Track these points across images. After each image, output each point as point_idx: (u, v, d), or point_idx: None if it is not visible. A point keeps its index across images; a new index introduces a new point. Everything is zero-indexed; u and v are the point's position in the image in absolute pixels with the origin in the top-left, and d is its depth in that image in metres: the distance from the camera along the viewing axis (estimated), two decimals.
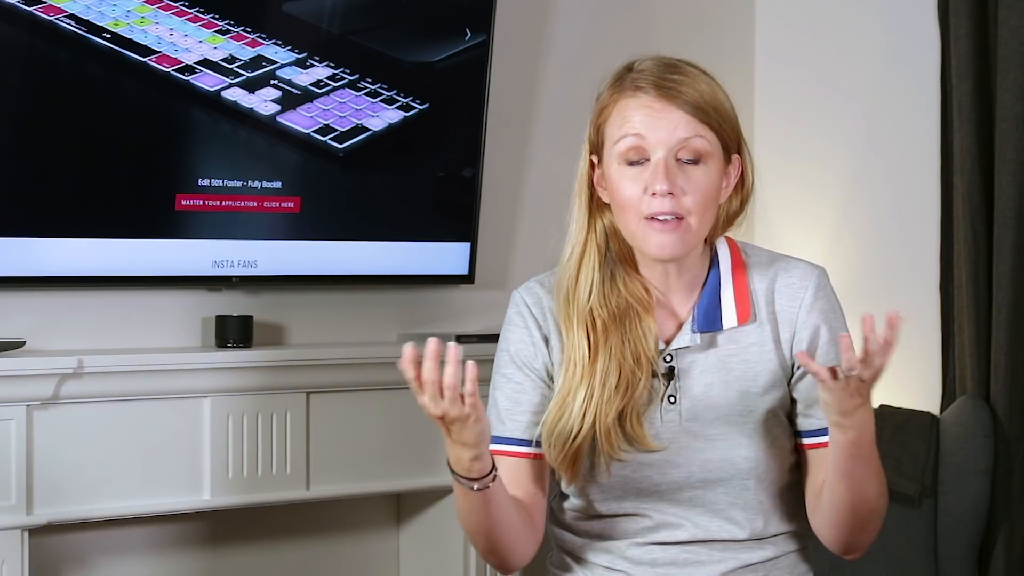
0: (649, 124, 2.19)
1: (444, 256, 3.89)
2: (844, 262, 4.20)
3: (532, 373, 2.28)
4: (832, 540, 2.26)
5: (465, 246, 3.91)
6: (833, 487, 2.19)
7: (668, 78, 2.20)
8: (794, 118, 4.44)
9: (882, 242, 4.32)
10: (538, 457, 2.27)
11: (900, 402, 4.11)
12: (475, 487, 2.13)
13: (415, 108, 3.82)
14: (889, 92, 4.32)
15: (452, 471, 2.13)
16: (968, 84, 4.03)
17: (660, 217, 2.17)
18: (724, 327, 2.24)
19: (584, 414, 2.19)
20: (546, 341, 2.28)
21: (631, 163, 2.20)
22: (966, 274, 4.02)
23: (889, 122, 4.32)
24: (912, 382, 4.21)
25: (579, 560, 2.32)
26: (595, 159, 2.25)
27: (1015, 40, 3.95)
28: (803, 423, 2.27)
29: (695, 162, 2.19)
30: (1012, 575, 3.91)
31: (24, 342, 3.28)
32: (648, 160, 2.19)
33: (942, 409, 4.12)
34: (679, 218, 2.18)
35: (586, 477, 2.25)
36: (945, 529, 3.90)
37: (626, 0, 4.31)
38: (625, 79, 2.22)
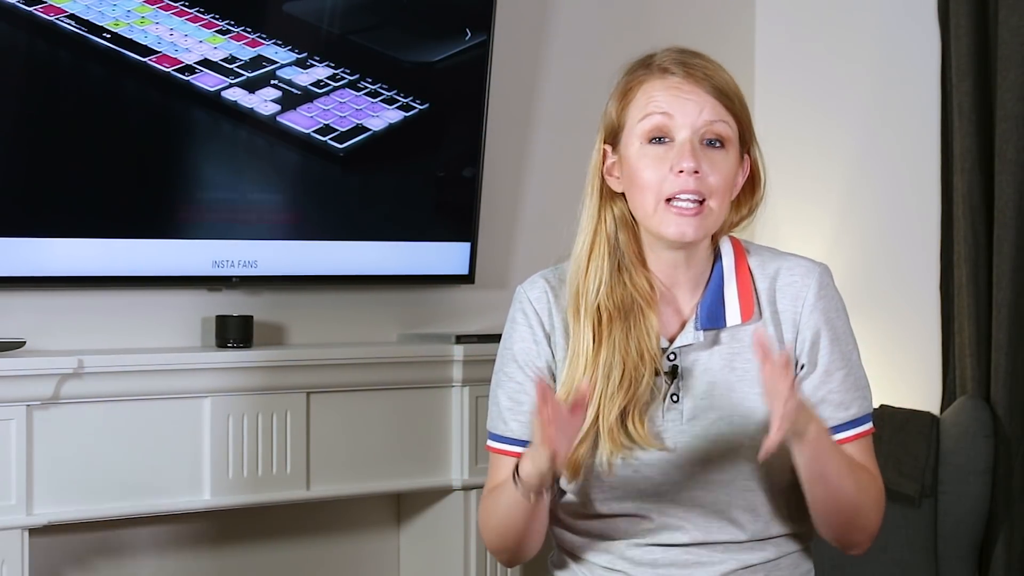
0: (677, 104, 2.19)
1: (444, 256, 3.89)
2: (844, 263, 4.20)
3: (534, 373, 2.27)
4: (829, 538, 2.29)
5: (465, 246, 3.91)
6: (810, 491, 2.22)
7: (694, 61, 2.22)
8: (794, 119, 4.44)
9: (882, 242, 4.32)
10: None
11: (900, 402, 4.11)
12: (532, 497, 2.17)
13: (415, 108, 3.82)
14: (889, 92, 4.32)
15: (521, 481, 2.16)
16: (968, 84, 4.03)
17: (682, 198, 2.18)
18: (727, 324, 2.24)
19: (586, 409, 2.19)
20: (548, 338, 2.27)
21: (655, 143, 2.20)
22: (966, 274, 4.02)
23: (889, 122, 4.32)
24: (912, 382, 4.21)
25: (579, 560, 2.32)
26: (608, 148, 2.26)
27: (1015, 40, 3.95)
28: None
29: (717, 146, 2.20)
30: (1012, 575, 3.91)
31: (24, 342, 3.27)
32: (671, 140, 2.19)
33: (942, 409, 4.12)
34: (700, 202, 2.18)
35: (588, 476, 2.25)
36: (945, 529, 3.90)
37: (626, 0, 4.31)
38: (650, 63, 2.24)
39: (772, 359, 2.05)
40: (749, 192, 2.28)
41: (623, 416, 2.20)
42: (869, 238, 4.33)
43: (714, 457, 2.22)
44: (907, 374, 4.20)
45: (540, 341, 2.27)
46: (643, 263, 2.26)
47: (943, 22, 4.17)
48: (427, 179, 3.86)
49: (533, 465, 2.12)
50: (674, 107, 2.20)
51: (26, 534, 3.23)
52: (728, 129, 2.21)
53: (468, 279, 3.93)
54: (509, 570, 3.85)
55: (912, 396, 4.17)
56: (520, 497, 2.17)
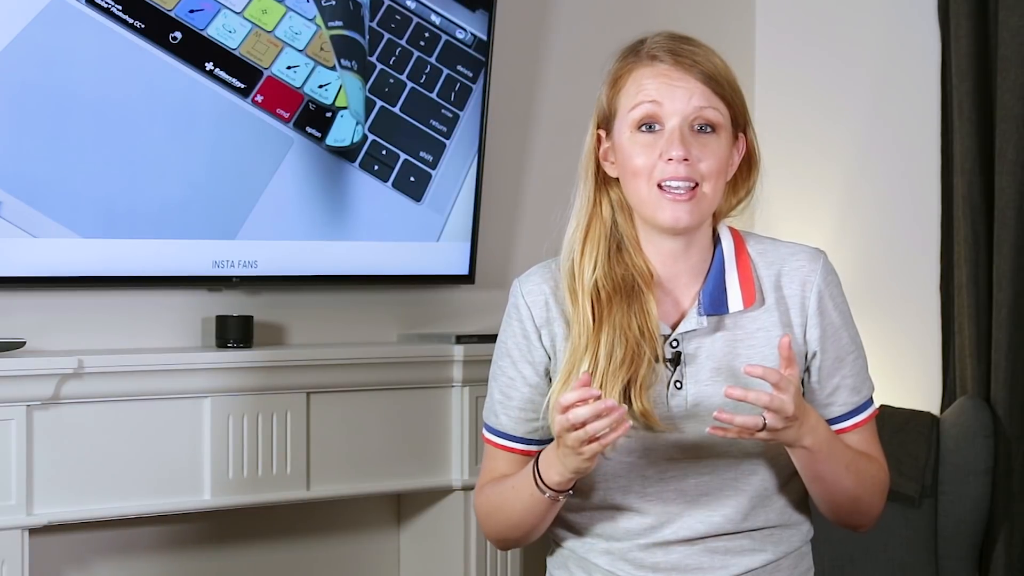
0: (666, 92, 2.20)
1: (444, 256, 3.89)
2: (844, 263, 4.20)
3: (526, 367, 2.27)
4: (831, 520, 2.33)
5: (465, 246, 3.91)
6: (808, 486, 2.26)
7: (683, 48, 2.23)
8: (794, 119, 4.44)
9: (882, 243, 4.32)
10: (526, 454, 2.29)
11: (900, 402, 4.12)
12: (561, 498, 2.20)
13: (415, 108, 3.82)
14: (889, 92, 4.32)
15: (546, 486, 2.18)
16: (968, 84, 4.03)
17: (674, 184, 2.18)
18: (730, 310, 2.24)
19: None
20: (540, 334, 2.27)
21: (644, 131, 2.20)
22: (966, 274, 4.02)
23: (889, 122, 4.32)
24: (912, 382, 4.21)
25: (579, 560, 2.32)
26: (602, 133, 2.26)
27: (1015, 40, 3.95)
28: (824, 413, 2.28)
29: (708, 132, 2.20)
30: (1012, 575, 3.91)
31: (24, 342, 3.27)
32: (662, 127, 2.20)
33: (942, 409, 4.12)
34: (693, 187, 2.18)
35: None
36: (945, 529, 3.90)
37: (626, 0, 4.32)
38: (640, 50, 2.25)
39: (793, 369, 2.09)
40: (746, 174, 2.29)
41: (626, 394, 2.20)
42: (869, 238, 4.33)
43: (720, 441, 2.22)
44: (907, 374, 4.20)
45: (530, 336, 2.27)
46: (641, 249, 2.26)
47: (943, 22, 4.17)
48: (427, 179, 3.86)
49: (568, 469, 2.13)
50: (663, 95, 2.20)
51: (26, 534, 3.23)
52: (718, 115, 2.21)
53: (468, 279, 3.93)
54: (509, 572, 3.85)
55: (912, 396, 4.17)
56: (547, 500, 2.19)
